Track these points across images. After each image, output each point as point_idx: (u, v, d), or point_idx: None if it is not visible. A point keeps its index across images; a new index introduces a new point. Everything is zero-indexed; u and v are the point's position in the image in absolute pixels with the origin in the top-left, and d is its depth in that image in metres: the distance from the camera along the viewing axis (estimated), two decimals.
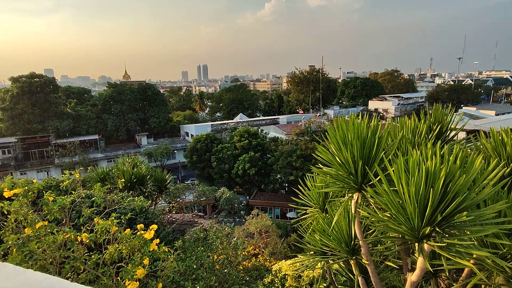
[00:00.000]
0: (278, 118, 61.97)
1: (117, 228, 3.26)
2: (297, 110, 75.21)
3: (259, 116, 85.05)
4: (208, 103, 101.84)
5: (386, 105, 65.97)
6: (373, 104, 68.51)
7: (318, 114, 51.17)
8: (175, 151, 51.93)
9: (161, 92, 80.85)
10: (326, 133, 3.02)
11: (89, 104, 57.70)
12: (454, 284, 2.41)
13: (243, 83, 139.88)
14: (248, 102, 79.79)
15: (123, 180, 4.55)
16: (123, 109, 57.08)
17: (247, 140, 35.50)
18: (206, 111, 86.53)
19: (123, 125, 56.62)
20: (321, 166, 2.93)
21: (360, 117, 3.02)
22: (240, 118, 62.87)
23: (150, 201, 7.20)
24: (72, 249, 2.94)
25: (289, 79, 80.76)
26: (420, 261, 2.12)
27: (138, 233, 3.34)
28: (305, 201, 3.33)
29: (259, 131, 38.72)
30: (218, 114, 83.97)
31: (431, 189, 1.86)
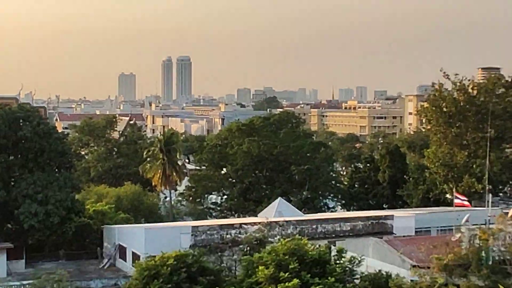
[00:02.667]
0: (391, 215, 62.26)
1: None
2: (447, 195, 74.50)
3: (333, 209, 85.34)
4: (188, 164, 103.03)
5: None
6: None
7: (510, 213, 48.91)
8: None
9: (58, 129, 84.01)
10: None
11: None
12: None
13: (288, 111, 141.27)
14: (303, 168, 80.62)
15: None
16: None
17: (296, 280, 34.93)
18: (182, 187, 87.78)
19: None
20: None
21: None
22: (276, 209, 62.96)
23: None
24: None
25: (426, 105, 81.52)
26: None
27: None
28: None
29: (332, 252, 39.27)
30: (214, 196, 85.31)
31: None
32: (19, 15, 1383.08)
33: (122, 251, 59.59)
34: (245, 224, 55.91)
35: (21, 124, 63.58)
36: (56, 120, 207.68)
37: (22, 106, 69.69)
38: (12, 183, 62.64)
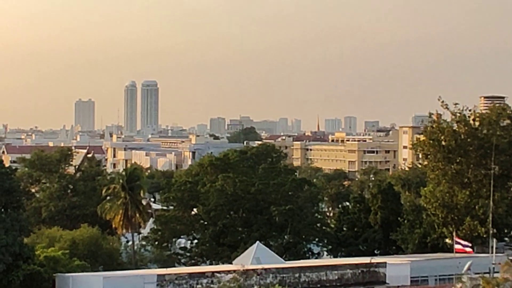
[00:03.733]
0: (383, 263, 62.14)
1: None
2: (446, 240, 74.76)
3: (318, 255, 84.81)
4: (154, 204, 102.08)
5: None
6: None
7: None
8: None
9: (5, 163, 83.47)
10: None
11: None
12: None
13: (267, 144, 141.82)
14: (284, 208, 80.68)
15: None
16: None
17: None
18: (147, 230, 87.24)
19: None
20: None
21: None
22: (254, 255, 62.94)
23: None
24: None
25: (423, 138, 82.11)
26: None
27: None
28: None
29: None
30: (183, 240, 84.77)
31: None
32: None
33: None
34: (218, 272, 55.67)
35: None
36: (3, 152, 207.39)
37: None
38: None
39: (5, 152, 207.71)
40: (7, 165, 78.47)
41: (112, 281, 55.87)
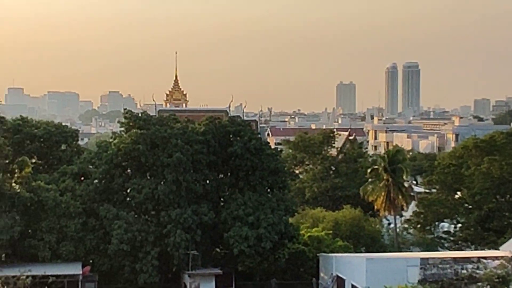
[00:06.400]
0: None
1: None
2: None
3: None
4: (415, 187, 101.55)
5: None
6: None
7: None
8: None
9: (270, 145, 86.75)
10: None
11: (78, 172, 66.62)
12: None
13: None
14: None
15: None
16: (174, 198, 62.96)
17: None
18: (409, 213, 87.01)
19: (153, 238, 62.45)
20: None
21: None
22: None
23: None
24: None
25: None
26: None
27: None
28: None
29: None
30: (446, 224, 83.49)
31: None
32: (217, 15, 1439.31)
33: (340, 283, 60.20)
34: (484, 258, 54.35)
35: (231, 139, 66.66)
36: (268, 135, 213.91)
37: (233, 120, 73.02)
38: (222, 204, 65.70)
39: (270, 135, 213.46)
40: (272, 147, 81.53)
41: (375, 262, 56.34)
